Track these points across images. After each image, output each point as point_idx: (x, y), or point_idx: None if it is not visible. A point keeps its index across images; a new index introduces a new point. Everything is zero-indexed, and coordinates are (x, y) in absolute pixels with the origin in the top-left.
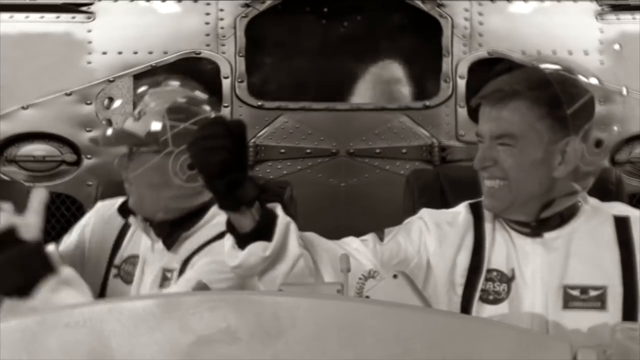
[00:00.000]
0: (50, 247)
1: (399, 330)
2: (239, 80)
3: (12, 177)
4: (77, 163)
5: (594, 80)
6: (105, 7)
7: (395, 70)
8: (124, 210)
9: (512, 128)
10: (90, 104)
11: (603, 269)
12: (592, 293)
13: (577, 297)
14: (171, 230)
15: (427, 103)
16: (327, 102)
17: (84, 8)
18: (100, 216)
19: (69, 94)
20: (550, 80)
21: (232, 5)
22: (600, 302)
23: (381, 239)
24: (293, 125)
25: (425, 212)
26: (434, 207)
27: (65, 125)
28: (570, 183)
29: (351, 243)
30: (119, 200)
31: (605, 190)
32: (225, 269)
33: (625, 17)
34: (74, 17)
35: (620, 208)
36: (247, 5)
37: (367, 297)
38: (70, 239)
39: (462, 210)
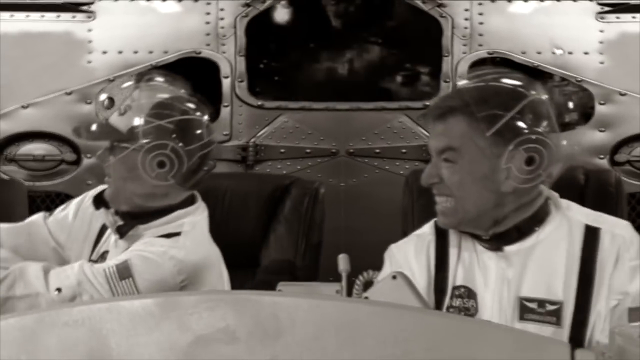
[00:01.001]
0: None
1: (397, 331)
2: (239, 79)
3: (12, 176)
4: (77, 162)
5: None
6: (105, 6)
7: (395, 70)
8: (98, 202)
9: (453, 142)
10: (91, 103)
11: (563, 283)
12: (549, 307)
13: (533, 310)
14: (129, 221)
15: (427, 103)
16: (326, 102)
17: (85, 7)
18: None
19: (69, 93)
20: (485, 95)
21: (232, 4)
22: (555, 317)
23: None
24: (293, 125)
25: (392, 249)
26: (432, 208)
27: (65, 125)
28: (522, 196)
29: None
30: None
31: (605, 192)
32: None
33: (625, 17)
34: (74, 17)
35: (595, 217)
36: (247, 5)
37: (365, 298)
38: (62, 215)
39: (426, 230)
